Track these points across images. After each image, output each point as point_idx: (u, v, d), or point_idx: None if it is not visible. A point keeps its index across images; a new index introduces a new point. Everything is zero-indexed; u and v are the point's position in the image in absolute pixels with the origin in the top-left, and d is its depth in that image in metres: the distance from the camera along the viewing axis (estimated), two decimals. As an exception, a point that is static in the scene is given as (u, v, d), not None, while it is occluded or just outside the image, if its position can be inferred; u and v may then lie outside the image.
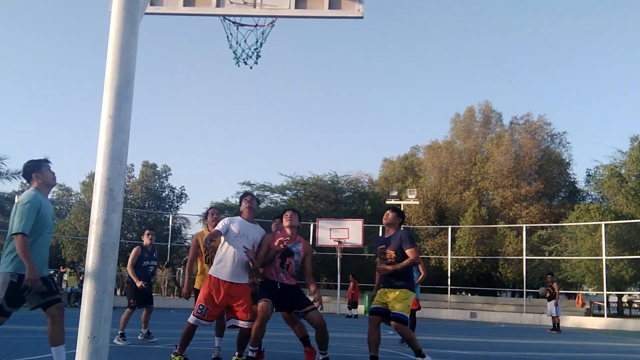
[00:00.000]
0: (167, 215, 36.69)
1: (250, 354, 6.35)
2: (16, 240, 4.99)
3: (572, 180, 39.54)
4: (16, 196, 26.76)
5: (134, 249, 9.81)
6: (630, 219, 28.41)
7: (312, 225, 30.06)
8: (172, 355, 6.53)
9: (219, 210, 8.23)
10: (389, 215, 6.76)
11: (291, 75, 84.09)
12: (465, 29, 72.52)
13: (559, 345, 13.11)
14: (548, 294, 19.46)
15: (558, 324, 19.15)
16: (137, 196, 39.89)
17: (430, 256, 34.80)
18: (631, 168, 31.81)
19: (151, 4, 5.85)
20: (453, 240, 32.26)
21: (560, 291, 19.98)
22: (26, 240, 5.04)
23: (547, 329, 20.36)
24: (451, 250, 31.31)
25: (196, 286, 7.58)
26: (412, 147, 46.61)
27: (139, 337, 9.51)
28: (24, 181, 38.70)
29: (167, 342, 9.54)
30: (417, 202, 33.93)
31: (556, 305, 19.09)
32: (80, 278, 24.53)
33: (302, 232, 34.83)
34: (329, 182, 39.59)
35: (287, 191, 40.47)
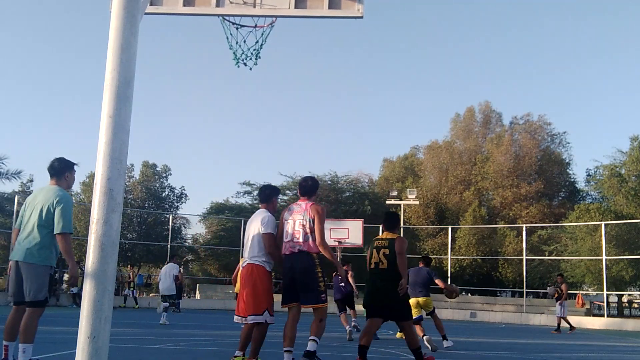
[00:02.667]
0: (167, 215, 36.69)
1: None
2: (64, 239, 5.26)
3: (572, 180, 39.57)
4: (16, 196, 26.76)
5: None
6: (630, 219, 28.40)
7: (312, 225, 30.05)
8: None
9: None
10: None
11: (291, 75, 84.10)
12: (465, 28, 72.52)
13: (559, 345, 13.11)
14: (556, 295, 19.36)
15: (559, 324, 19.08)
16: (137, 196, 39.89)
17: (430, 256, 34.78)
18: (631, 168, 31.80)
19: (151, 4, 5.85)
20: (453, 240, 32.25)
21: (569, 291, 19.78)
22: (70, 239, 5.36)
23: (549, 329, 20.37)
24: (451, 250, 31.30)
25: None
26: (412, 147, 46.63)
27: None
28: (24, 181, 38.49)
29: (167, 342, 9.54)
30: (417, 202, 33.91)
31: (561, 305, 19.02)
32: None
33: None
34: (329, 182, 39.58)
35: (287, 191, 40.45)
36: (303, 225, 5.75)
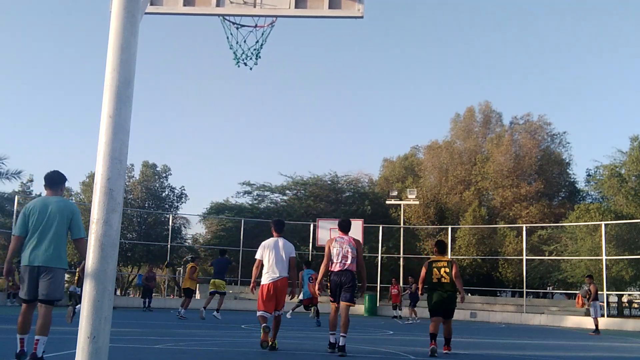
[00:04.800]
0: (167, 215, 36.67)
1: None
2: (83, 244, 5.84)
3: (572, 180, 39.51)
4: (16, 196, 26.77)
5: None
6: (630, 219, 28.38)
7: (312, 225, 30.04)
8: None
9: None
10: None
11: (291, 75, 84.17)
12: (465, 29, 72.56)
13: (559, 345, 13.12)
14: (587, 296, 19.12)
15: (596, 325, 18.89)
16: (137, 196, 39.87)
17: (430, 256, 34.73)
18: (631, 168, 31.78)
19: (151, 4, 5.85)
20: (453, 240, 32.23)
21: (569, 291, 19.45)
22: None
23: (549, 329, 20.31)
24: (451, 250, 31.28)
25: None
26: (412, 147, 46.59)
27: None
28: (24, 181, 38.50)
29: (167, 342, 9.54)
30: (417, 202, 33.89)
31: (592, 307, 18.83)
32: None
33: (302, 232, 34.67)
34: (329, 182, 39.56)
35: (287, 191, 40.44)
36: (349, 252, 8.52)
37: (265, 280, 8.57)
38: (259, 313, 8.55)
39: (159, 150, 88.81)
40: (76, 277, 22.58)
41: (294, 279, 8.87)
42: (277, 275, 8.55)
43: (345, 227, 8.92)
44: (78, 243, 6.08)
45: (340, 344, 8.13)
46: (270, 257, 8.62)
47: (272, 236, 8.92)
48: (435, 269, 9.44)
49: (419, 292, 9.97)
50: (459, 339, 11.61)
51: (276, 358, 7.91)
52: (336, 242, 8.69)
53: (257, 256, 8.75)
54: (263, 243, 8.81)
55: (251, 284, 9.39)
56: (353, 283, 8.51)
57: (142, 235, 37.69)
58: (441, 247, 9.96)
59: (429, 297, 9.50)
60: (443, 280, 9.32)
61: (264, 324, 8.46)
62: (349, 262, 8.49)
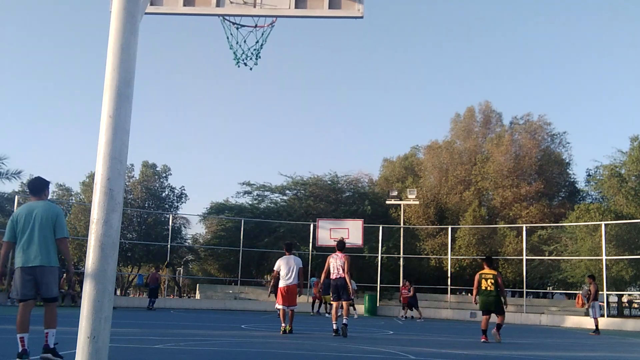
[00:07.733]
0: (167, 215, 36.67)
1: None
2: (65, 243, 6.44)
3: (572, 180, 39.46)
4: (16, 196, 26.76)
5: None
6: (630, 219, 28.36)
7: (312, 225, 30.00)
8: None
9: None
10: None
11: (291, 75, 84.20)
12: (465, 28, 72.59)
13: (558, 345, 13.12)
14: (587, 296, 19.00)
15: (597, 325, 18.82)
16: (137, 196, 39.86)
17: (430, 256, 34.75)
18: (631, 168, 31.77)
19: (151, 4, 5.85)
20: (453, 240, 32.21)
21: (569, 291, 19.44)
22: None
23: (549, 329, 20.28)
24: (451, 250, 31.27)
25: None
26: (412, 147, 46.50)
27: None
28: (24, 181, 38.90)
29: (167, 342, 9.54)
30: (417, 202, 33.84)
31: (591, 307, 18.78)
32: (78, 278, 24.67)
33: (302, 232, 34.54)
34: (329, 182, 39.50)
35: (287, 191, 40.40)
36: (341, 267, 12.02)
37: (281, 284, 12.05)
38: (277, 306, 12.28)
39: (159, 150, 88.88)
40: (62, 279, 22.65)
41: (301, 283, 12.31)
42: (290, 282, 12.01)
43: (341, 247, 12.39)
44: (60, 243, 6.40)
45: (344, 322, 11.72)
46: (285, 269, 12.06)
47: (283, 251, 12.72)
48: (483, 280, 12.62)
49: (474, 296, 12.99)
50: (460, 339, 11.64)
51: (277, 358, 7.92)
52: (333, 258, 12.24)
53: (275, 268, 12.38)
54: (280, 259, 12.36)
55: (270, 288, 13.20)
56: (345, 286, 12.09)
57: (142, 235, 37.69)
58: (489, 262, 13.00)
59: (480, 300, 12.71)
60: (489, 288, 12.52)
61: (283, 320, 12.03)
62: (341, 272, 12.07)
